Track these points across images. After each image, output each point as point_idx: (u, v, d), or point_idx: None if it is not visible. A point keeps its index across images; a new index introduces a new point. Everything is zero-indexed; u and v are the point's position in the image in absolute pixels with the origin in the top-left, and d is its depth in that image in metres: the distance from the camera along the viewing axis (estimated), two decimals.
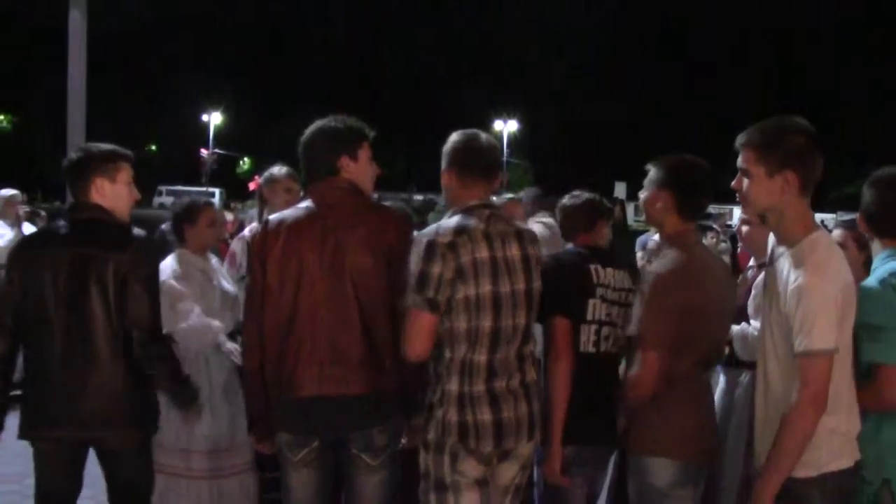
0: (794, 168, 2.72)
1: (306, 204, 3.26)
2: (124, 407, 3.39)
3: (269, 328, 3.16)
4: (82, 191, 3.46)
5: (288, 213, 3.27)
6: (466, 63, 77.59)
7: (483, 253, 2.98)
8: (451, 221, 3.04)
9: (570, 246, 3.64)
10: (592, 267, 3.39)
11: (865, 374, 2.89)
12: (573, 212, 3.63)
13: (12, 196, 7.87)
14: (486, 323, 2.98)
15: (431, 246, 2.96)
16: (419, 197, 28.92)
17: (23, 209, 7.61)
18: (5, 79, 54.21)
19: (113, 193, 3.47)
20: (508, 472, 3.12)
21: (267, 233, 3.20)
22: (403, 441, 3.33)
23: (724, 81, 70.24)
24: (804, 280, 2.65)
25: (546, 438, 3.25)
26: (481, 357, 2.99)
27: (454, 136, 3.19)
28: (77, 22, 9.92)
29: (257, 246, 3.22)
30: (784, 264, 2.76)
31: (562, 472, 3.29)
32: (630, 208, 19.77)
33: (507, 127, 52.20)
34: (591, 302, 3.33)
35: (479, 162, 3.14)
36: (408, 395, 3.20)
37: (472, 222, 3.02)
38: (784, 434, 2.70)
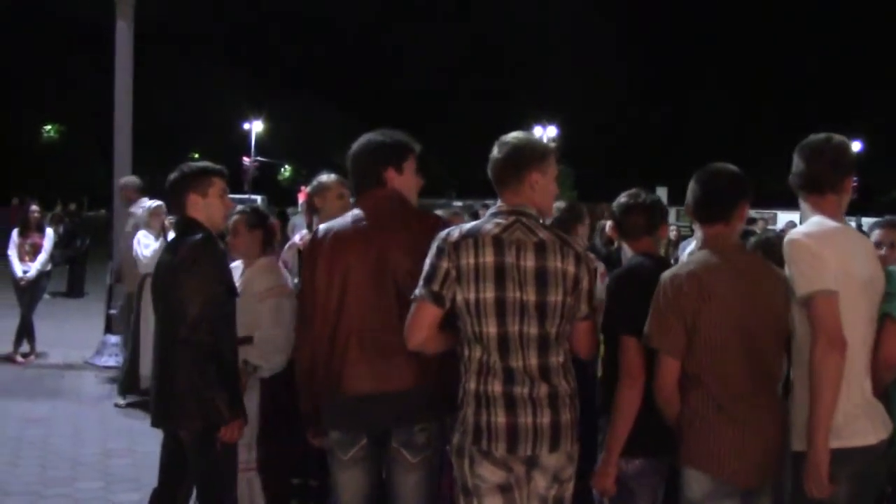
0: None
1: (353, 213, 3.43)
2: None
3: (318, 329, 3.34)
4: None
5: (336, 221, 3.46)
6: (506, 67, 77.54)
7: (488, 258, 2.99)
8: (471, 223, 3.12)
9: (629, 252, 3.52)
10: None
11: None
12: (636, 212, 3.48)
13: (157, 207, 8.07)
14: (491, 329, 2.99)
15: (442, 243, 3.04)
16: (458, 203, 28.92)
17: (169, 219, 7.66)
18: (53, 88, 55.27)
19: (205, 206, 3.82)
20: (541, 484, 3.06)
21: (315, 241, 3.43)
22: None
23: (765, 86, 69.38)
24: (790, 235, 2.95)
25: (603, 454, 3.21)
26: (494, 359, 3.00)
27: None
28: (123, 32, 10.09)
29: (307, 253, 3.46)
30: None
31: (623, 483, 3.22)
32: (672, 213, 19.62)
33: (546, 132, 51.90)
34: None
35: (501, 169, 3.15)
36: (451, 394, 3.18)
37: (488, 227, 3.05)
38: (814, 384, 2.82)
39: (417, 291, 3.04)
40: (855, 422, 2.91)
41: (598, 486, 3.25)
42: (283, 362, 4.24)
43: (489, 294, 2.99)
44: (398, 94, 71.92)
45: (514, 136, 3.19)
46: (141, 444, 6.35)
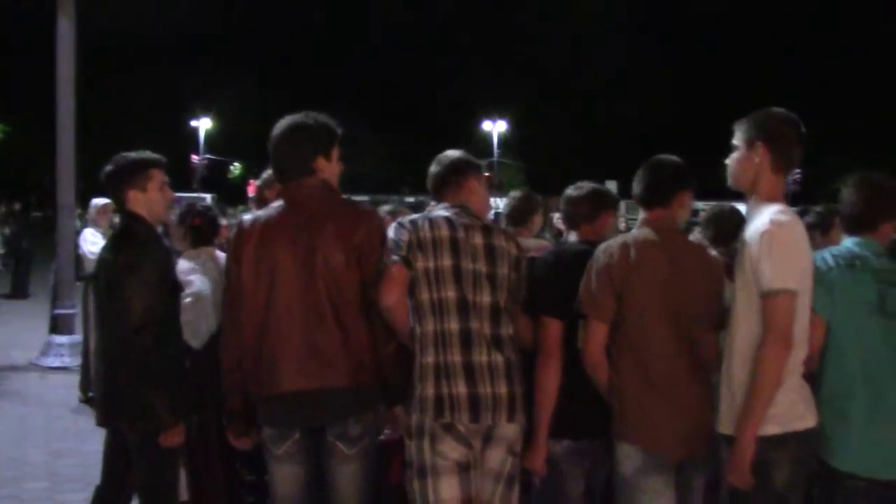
0: (768, 144, 3.06)
1: (279, 203, 3.33)
2: None
3: (245, 325, 3.25)
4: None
5: (261, 213, 3.37)
6: (456, 64, 77.67)
7: (443, 232, 3.20)
8: (422, 213, 3.34)
9: (572, 237, 3.66)
10: None
11: None
12: (577, 202, 3.68)
13: (105, 205, 8.09)
14: (451, 293, 3.15)
15: (400, 224, 3.29)
16: (411, 199, 28.95)
17: (116, 217, 7.69)
18: None
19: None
20: (496, 457, 3.16)
21: (241, 232, 3.30)
22: (387, 432, 3.41)
23: (717, 80, 70.47)
24: (767, 227, 2.92)
25: (531, 434, 3.29)
26: (452, 326, 3.13)
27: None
28: (65, 28, 9.93)
29: (232, 246, 3.33)
30: (751, 226, 3.01)
31: (553, 465, 3.33)
32: (622, 206, 19.89)
33: (496, 127, 52.11)
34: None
35: (442, 178, 3.46)
36: (387, 386, 3.27)
37: (439, 211, 3.31)
38: (758, 377, 2.88)
39: (387, 260, 3.18)
40: (795, 407, 2.99)
41: (529, 465, 3.34)
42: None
43: (447, 262, 3.18)
44: (352, 88, 71.60)
45: (451, 152, 3.50)
46: (88, 443, 6.26)
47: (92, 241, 7.94)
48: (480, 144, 47.51)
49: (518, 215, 4.76)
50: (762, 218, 3.00)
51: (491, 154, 49.22)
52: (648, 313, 3.18)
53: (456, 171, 3.43)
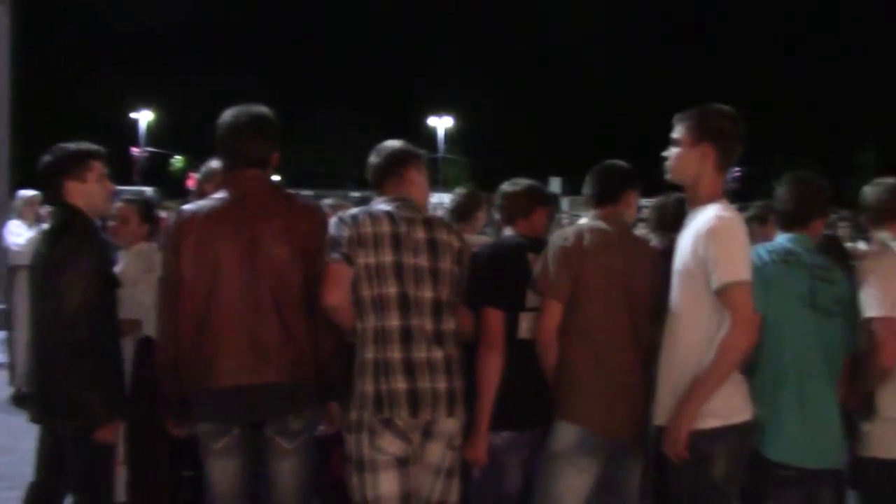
0: (714, 143, 3.13)
1: (222, 194, 3.27)
2: None
3: (184, 318, 3.19)
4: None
5: (203, 203, 3.30)
6: (401, 60, 77.55)
7: (384, 227, 3.18)
8: (363, 207, 3.33)
9: (507, 232, 3.73)
10: (530, 255, 3.48)
11: None
12: (512, 197, 3.75)
13: (33, 196, 7.96)
14: (391, 289, 3.13)
15: (341, 219, 3.24)
16: (356, 194, 28.84)
17: (44, 209, 7.56)
18: None
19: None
20: (435, 451, 3.19)
21: (181, 223, 3.23)
22: (322, 428, 3.40)
23: (660, 78, 71.51)
24: (715, 223, 2.99)
25: (472, 425, 3.33)
26: (393, 323, 3.12)
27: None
28: (1, 22, 9.71)
29: (171, 237, 3.25)
30: (695, 225, 3.08)
31: (493, 456, 3.37)
32: (565, 202, 20.09)
33: (441, 123, 52.16)
34: (530, 289, 3.42)
35: (382, 169, 3.43)
36: (326, 383, 3.25)
37: (380, 206, 3.28)
38: (716, 357, 2.94)
39: (328, 258, 3.13)
40: (732, 400, 3.06)
41: (470, 457, 3.38)
42: None
43: (388, 258, 3.15)
44: (294, 82, 70.95)
45: (390, 143, 3.48)
46: (22, 440, 6.10)
47: (16, 234, 7.81)
48: (426, 140, 47.56)
49: (463, 211, 4.85)
50: (707, 216, 3.06)
51: (436, 150, 49.29)
52: (600, 298, 3.30)
53: (396, 162, 3.41)
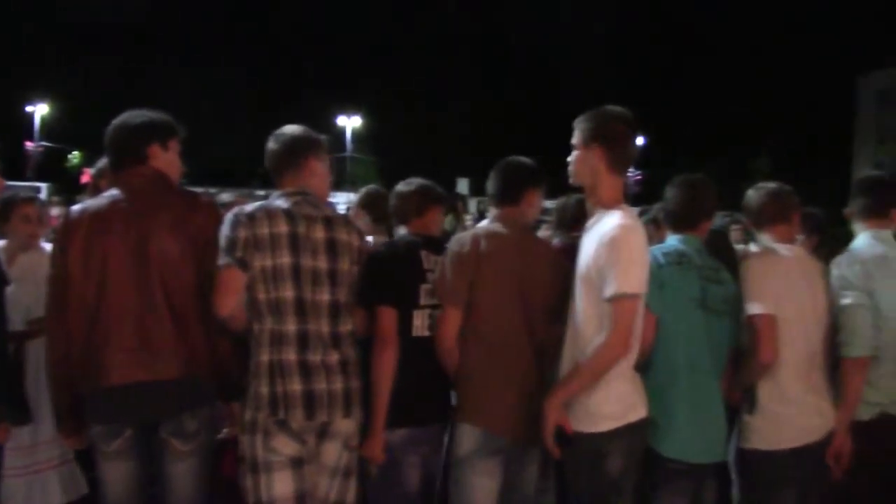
0: (604, 145, 3.16)
1: (111, 192, 3.23)
2: None
3: (74, 317, 3.12)
4: None
5: (91, 202, 3.25)
6: (311, 58, 76.80)
7: (282, 228, 3.11)
8: (260, 202, 3.24)
9: (401, 231, 3.75)
10: (423, 253, 3.51)
11: None
12: (406, 197, 3.77)
13: None
14: (288, 293, 3.09)
15: (236, 217, 3.14)
16: (262, 192, 28.46)
17: None
18: None
19: None
20: (331, 452, 3.18)
21: (69, 222, 3.18)
22: (226, 430, 3.37)
23: (569, 84, 72.76)
24: (616, 233, 3.02)
25: (369, 424, 3.33)
26: (290, 327, 3.09)
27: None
28: None
29: (59, 236, 3.19)
30: (596, 231, 3.12)
31: (390, 454, 3.39)
32: (472, 203, 20.25)
33: (350, 122, 51.86)
34: (423, 287, 3.45)
35: (280, 157, 3.32)
36: (224, 380, 3.21)
37: (278, 202, 3.19)
38: (589, 361, 3.02)
39: (221, 261, 3.06)
40: (627, 399, 3.15)
41: (366, 455, 3.38)
42: None
43: (286, 260, 3.10)
44: (203, 79, 69.36)
45: (289, 128, 3.37)
46: None
47: None
48: (335, 139, 47.22)
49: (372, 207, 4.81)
50: (609, 223, 3.09)
51: (344, 149, 48.99)
52: (498, 301, 3.32)
53: (296, 152, 3.31)
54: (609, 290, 3.01)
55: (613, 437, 3.11)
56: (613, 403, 3.10)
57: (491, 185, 3.60)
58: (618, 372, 3.10)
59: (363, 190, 5.00)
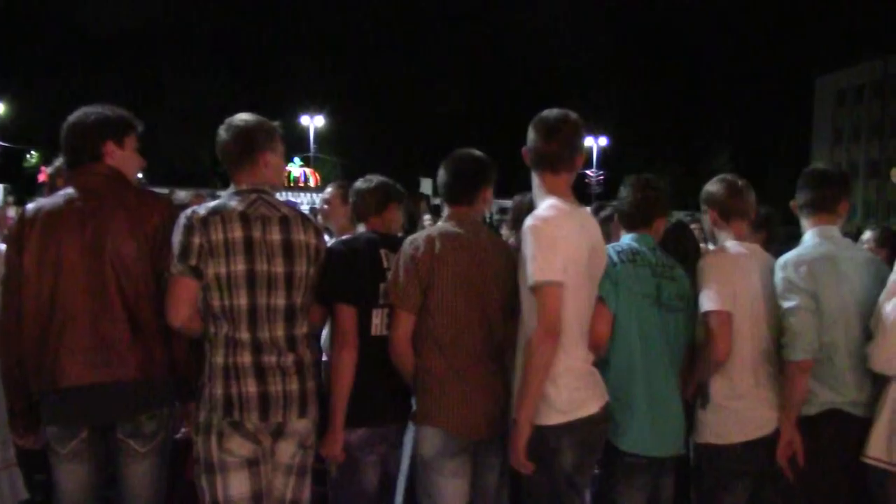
0: (526, 148, 3.29)
1: (66, 191, 3.19)
2: None
3: (28, 317, 3.09)
4: None
5: (46, 200, 3.21)
6: (274, 56, 76.27)
7: (236, 233, 3.05)
8: (214, 201, 3.16)
9: (360, 228, 3.75)
10: (383, 251, 3.51)
11: None
12: (365, 194, 3.75)
13: None
14: (242, 301, 3.05)
15: (189, 220, 3.06)
16: (221, 193, 28.18)
17: None
18: None
19: None
20: (287, 451, 3.17)
21: (23, 221, 3.14)
22: (184, 430, 3.34)
23: (531, 83, 73.00)
24: (530, 222, 3.09)
25: (327, 422, 3.32)
26: (244, 334, 3.05)
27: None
28: None
29: (13, 235, 3.15)
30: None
31: (349, 453, 3.38)
32: (436, 202, 20.25)
33: (313, 122, 51.62)
34: (382, 286, 3.44)
35: (233, 153, 3.22)
36: (180, 381, 3.20)
37: (233, 204, 3.12)
38: (526, 364, 3.06)
39: (173, 269, 3.02)
40: (577, 394, 3.18)
41: (325, 454, 3.38)
42: None
43: (240, 267, 3.05)
44: (161, 80, 68.55)
45: (241, 117, 3.26)
46: None
47: None
48: (298, 139, 46.93)
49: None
50: (530, 215, 3.18)
51: (308, 149, 48.74)
52: (452, 302, 3.30)
53: (249, 147, 3.20)
54: (530, 280, 3.06)
55: (563, 433, 3.13)
56: (562, 397, 3.13)
57: (441, 182, 3.51)
58: (566, 366, 3.13)
59: (338, 182, 4.94)
